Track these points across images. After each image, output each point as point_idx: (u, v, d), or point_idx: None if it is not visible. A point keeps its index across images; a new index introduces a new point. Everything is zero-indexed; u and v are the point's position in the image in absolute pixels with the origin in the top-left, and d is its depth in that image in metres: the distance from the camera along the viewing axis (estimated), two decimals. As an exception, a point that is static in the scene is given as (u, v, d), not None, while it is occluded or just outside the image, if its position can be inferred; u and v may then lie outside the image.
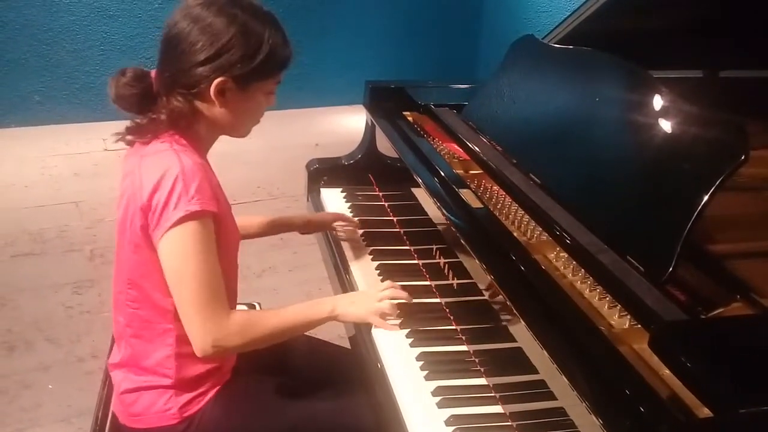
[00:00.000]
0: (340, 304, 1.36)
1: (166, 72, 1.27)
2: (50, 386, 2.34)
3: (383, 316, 1.36)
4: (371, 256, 1.65)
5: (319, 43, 4.96)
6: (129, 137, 1.30)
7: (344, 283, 1.60)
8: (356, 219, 1.82)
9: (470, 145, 1.63)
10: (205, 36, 1.21)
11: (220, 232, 1.26)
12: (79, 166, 4.11)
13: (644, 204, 1.16)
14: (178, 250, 1.20)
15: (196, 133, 1.30)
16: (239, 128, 1.34)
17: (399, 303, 1.40)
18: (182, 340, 1.28)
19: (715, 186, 1.03)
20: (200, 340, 1.22)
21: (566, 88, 1.47)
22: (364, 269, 1.61)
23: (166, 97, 1.26)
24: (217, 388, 1.36)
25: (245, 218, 1.66)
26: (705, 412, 0.84)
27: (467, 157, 1.66)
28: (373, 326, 1.37)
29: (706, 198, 1.03)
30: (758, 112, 1.75)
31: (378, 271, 1.58)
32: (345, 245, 1.73)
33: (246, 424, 1.35)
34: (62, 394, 2.30)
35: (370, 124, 2.04)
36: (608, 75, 1.37)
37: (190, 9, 1.23)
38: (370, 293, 1.41)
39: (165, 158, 1.22)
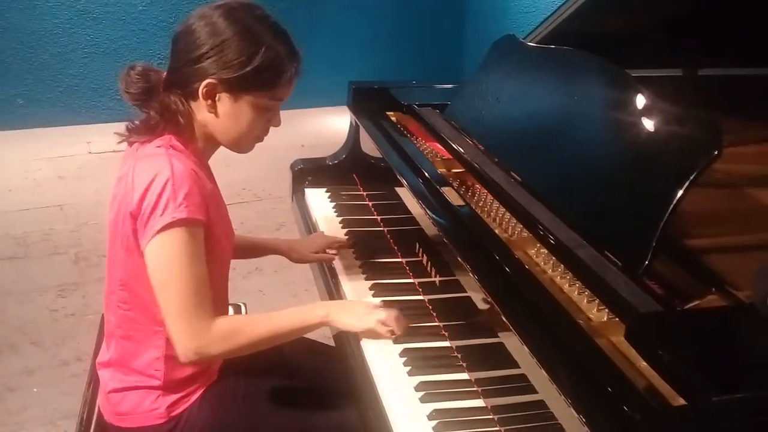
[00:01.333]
0: (335, 311, 1.32)
1: (169, 69, 1.30)
2: (35, 389, 2.33)
3: (377, 336, 1.31)
4: (355, 255, 1.66)
5: (305, 45, 4.95)
6: (130, 137, 1.31)
7: (329, 282, 1.61)
8: (344, 232, 1.77)
9: (452, 144, 1.65)
10: (204, 33, 1.22)
11: (210, 242, 1.26)
12: (64, 169, 4.09)
13: (621, 200, 1.18)
14: (163, 256, 1.19)
15: (192, 138, 1.30)
16: (234, 141, 1.32)
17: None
18: (171, 343, 1.29)
19: (690, 181, 1.05)
20: (183, 346, 1.21)
21: (545, 87, 1.49)
22: (348, 269, 1.62)
23: (163, 94, 1.27)
24: (204, 388, 1.36)
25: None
26: (680, 401, 0.86)
27: (450, 156, 1.68)
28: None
29: (680, 193, 1.05)
30: (735, 109, 1.79)
31: (362, 270, 1.59)
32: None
33: (232, 424, 1.36)
34: (48, 397, 2.29)
35: (353, 124, 2.05)
36: (586, 74, 1.39)
37: (203, 9, 1.26)
38: (369, 308, 1.34)
39: (157, 162, 1.22)
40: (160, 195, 1.18)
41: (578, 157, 1.32)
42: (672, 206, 1.05)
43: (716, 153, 1.04)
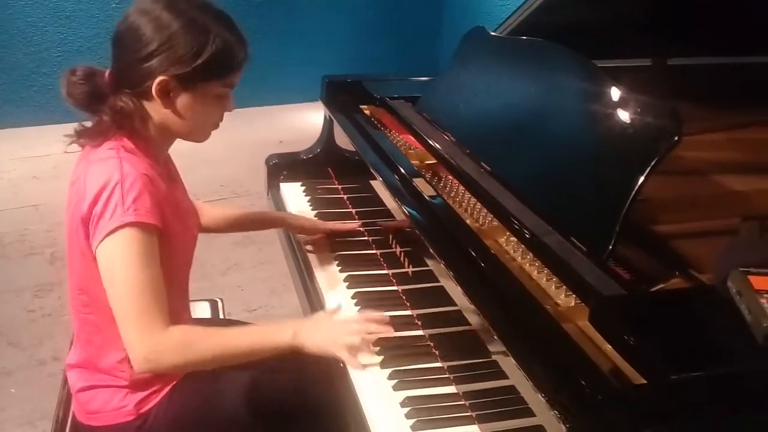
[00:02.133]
0: (304, 331, 1.25)
1: (115, 69, 1.26)
2: (13, 390, 2.32)
3: (354, 350, 1.24)
4: (330, 248, 1.67)
5: (282, 42, 4.96)
6: (80, 139, 1.29)
7: (303, 274, 1.62)
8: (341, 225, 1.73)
9: (424, 137, 1.66)
10: (149, 30, 1.19)
11: (170, 242, 1.25)
12: (38, 168, 4.06)
13: (586, 188, 1.20)
14: (112, 260, 1.18)
15: (146, 136, 1.27)
16: (192, 132, 1.31)
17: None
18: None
19: (651, 167, 1.07)
20: (133, 352, 1.19)
21: (513, 77, 1.51)
22: (322, 261, 1.63)
23: (113, 97, 1.24)
24: (173, 383, 1.35)
25: (222, 211, 1.70)
26: (641, 380, 0.88)
27: (422, 148, 1.69)
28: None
29: (642, 179, 1.07)
30: (703, 98, 1.82)
31: (336, 261, 1.60)
32: (303, 237, 1.74)
33: (202, 418, 1.35)
34: (25, 397, 2.28)
35: (327, 118, 2.06)
36: (552, 64, 1.41)
37: (141, 3, 1.22)
38: (340, 323, 1.30)
39: (107, 167, 1.20)
40: (108, 199, 1.17)
41: (545, 146, 1.34)
42: (634, 192, 1.07)
43: (676, 139, 1.07)
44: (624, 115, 1.20)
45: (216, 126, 1.35)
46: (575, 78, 1.36)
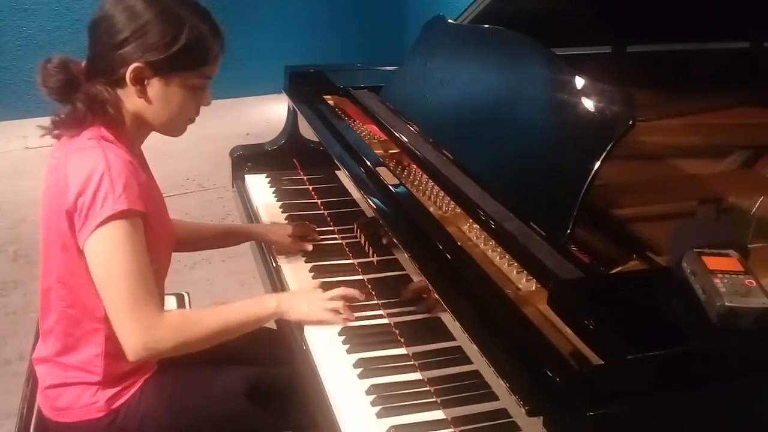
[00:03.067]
0: (286, 300, 1.33)
1: (90, 58, 1.26)
2: (-24, 390, 2.28)
3: (333, 319, 1.32)
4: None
5: (246, 34, 4.91)
6: (55, 131, 1.27)
7: (269, 265, 1.62)
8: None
9: (387, 126, 1.66)
10: (124, 17, 1.20)
11: (148, 234, 1.24)
12: (-1, 165, 3.98)
13: (545, 173, 1.21)
14: (105, 250, 1.17)
15: (122, 126, 1.27)
16: (167, 124, 1.30)
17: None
18: (112, 339, 1.26)
19: (606, 152, 1.09)
20: (131, 342, 1.18)
21: (472, 66, 1.52)
22: (289, 253, 1.63)
23: (87, 84, 1.24)
24: (144, 379, 1.34)
25: (193, 226, 1.67)
26: (599, 361, 0.90)
27: (386, 138, 1.70)
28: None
29: (598, 164, 1.09)
30: (661, 85, 1.85)
31: (301, 252, 1.60)
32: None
33: (173, 412, 1.35)
34: (-11, 397, 2.24)
35: (291, 109, 2.05)
36: (511, 52, 1.42)
37: None
38: (319, 292, 1.37)
39: (91, 156, 1.19)
40: (97, 188, 1.15)
41: (504, 133, 1.35)
42: (591, 177, 1.09)
43: (630, 124, 1.09)
44: (580, 102, 1.22)
45: (192, 120, 1.34)
46: (534, 66, 1.37)
